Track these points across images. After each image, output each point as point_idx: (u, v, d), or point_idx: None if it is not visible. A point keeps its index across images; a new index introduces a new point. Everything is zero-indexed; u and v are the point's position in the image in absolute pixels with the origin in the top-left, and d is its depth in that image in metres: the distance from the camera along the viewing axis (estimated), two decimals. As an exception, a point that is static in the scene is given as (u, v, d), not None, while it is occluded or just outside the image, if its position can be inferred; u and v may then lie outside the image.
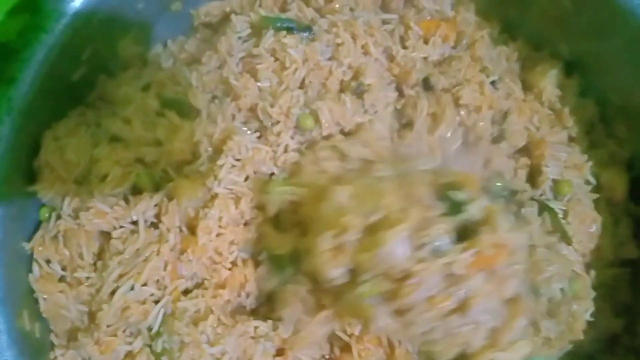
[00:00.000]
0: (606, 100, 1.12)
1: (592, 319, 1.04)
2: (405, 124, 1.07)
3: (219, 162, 0.94)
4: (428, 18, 1.13)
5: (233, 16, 1.07)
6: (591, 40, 1.08)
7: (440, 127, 1.04)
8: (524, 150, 1.11)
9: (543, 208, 1.05)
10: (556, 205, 1.06)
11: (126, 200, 0.96)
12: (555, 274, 0.99)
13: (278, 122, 0.98)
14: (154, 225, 0.94)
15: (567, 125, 1.13)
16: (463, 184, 0.87)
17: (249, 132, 0.98)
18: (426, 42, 1.11)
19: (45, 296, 0.93)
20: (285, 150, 0.98)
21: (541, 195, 1.07)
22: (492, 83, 1.10)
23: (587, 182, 1.10)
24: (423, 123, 1.04)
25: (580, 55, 1.12)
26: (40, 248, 0.94)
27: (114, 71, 1.08)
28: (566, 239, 1.03)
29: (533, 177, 1.09)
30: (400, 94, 1.07)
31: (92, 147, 0.99)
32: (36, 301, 0.94)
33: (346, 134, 1.01)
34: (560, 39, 1.14)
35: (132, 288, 0.89)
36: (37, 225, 0.97)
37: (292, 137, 0.99)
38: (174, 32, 1.16)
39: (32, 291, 0.94)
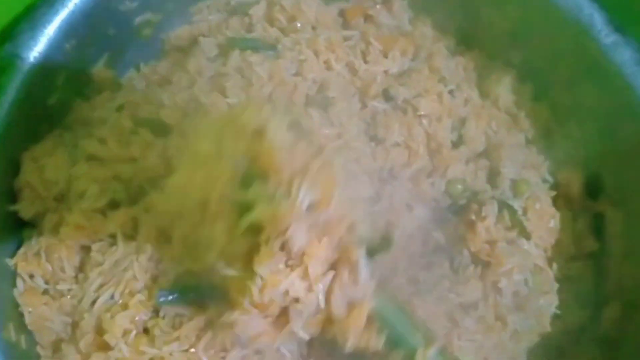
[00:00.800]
0: (558, 103, 1.19)
1: (558, 312, 1.09)
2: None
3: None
4: (387, 34, 1.20)
5: (201, 38, 1.13)
6: (539, 47, 1.15)
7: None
8: (484, 154, 1.17)
9: (502, 206, 1.10)
10: (515, 203, 1.11)
11: (104, 215, 1.00)
12: (516, 266, 1.03)
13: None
14: (132, 238, 0.98)
15: (524, 128, 1.19)
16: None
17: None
18: (386, 56, 1.17)
19: (30, 309, 0.97)
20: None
21: (501, 194, 1.13)
22: (450, 92, 1.17)
23: (545, 181, 1.16)
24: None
25: (531, 62, 1.19)
26: (23, 263, 0.98)
27: (89, 95, 1.13)
28: (525, 234, 1.08)
29: (493, 178, 1.15)
30: (363, 105, 1.13)
31: (69, 166, 1.03)
32: (21, 315, 0.97)
33: None
34: (512, 47, 1.21)
35: (112, 297, 0.93)
36: (20, 243, 1.01)
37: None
38: (146, 57, 1.21)
39: (17, 305, 0.97)
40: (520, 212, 1.11)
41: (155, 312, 0.93)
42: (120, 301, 0.93)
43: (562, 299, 1.10)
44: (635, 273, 1.08)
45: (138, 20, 1.14)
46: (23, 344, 0.96)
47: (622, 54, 1.03)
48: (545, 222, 1.12)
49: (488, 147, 1.17)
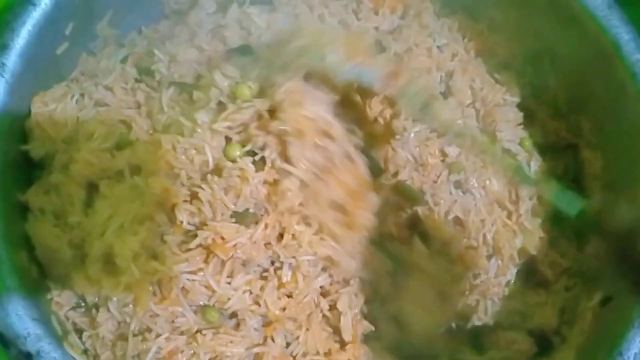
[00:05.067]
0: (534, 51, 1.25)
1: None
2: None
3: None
4: (376, -7, 1.27)
5: (201, -5, 1.20)
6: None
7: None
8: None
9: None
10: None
11: (112, 155, 1.05)
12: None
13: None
14: (138, 173, 1.02)
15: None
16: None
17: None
18: (376, 13, 1.24)
19: (40, 241, 1.00)
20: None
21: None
22: (439, 47, 1.24)
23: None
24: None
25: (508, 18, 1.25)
26: (34, 199, 1.02)
27: (94, 50, 1.18)
28: None
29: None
30: (356, 56, 1.19)
31: (77, 111, 1.08)
32: (33, 248, 1.01)
33: None
34: (493, 7, 1.28)
35: (121, 226, 0.97)
36: (30, 184, 1.05)
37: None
38: (146, 20, 1.27)
39: (29, 238, 1.01)
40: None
41: (163, 240, 0.97)
42: (130, 229, 0.96)
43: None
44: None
45: (141, -21, 1.20)
46: (34, 273, 0.99)
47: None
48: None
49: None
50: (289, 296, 0.99)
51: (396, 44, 1.21)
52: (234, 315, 0.98)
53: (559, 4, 1.14)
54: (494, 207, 1.10)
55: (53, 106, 1.07)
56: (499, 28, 1.29)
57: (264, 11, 1.15)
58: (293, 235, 0.97)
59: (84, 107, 1.09)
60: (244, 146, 0.96)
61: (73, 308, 1.00)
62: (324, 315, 1.02)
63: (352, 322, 1.00)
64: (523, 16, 1.24)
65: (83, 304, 1.01)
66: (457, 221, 1.09)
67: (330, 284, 1.02)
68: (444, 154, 1.11)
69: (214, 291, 0.95)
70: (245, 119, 0.96)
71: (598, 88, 1.15)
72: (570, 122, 1.22)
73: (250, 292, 0.97)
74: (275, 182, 0.95)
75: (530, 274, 1.13)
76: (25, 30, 1.02)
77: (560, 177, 1.21)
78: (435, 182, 1.09)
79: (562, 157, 1.22)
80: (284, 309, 0.97)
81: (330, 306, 1.01)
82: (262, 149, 0.96)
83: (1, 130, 0.99)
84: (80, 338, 0.98)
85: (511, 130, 1.18)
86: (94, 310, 0.99)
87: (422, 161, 1.08)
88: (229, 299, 0.95)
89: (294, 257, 0.97)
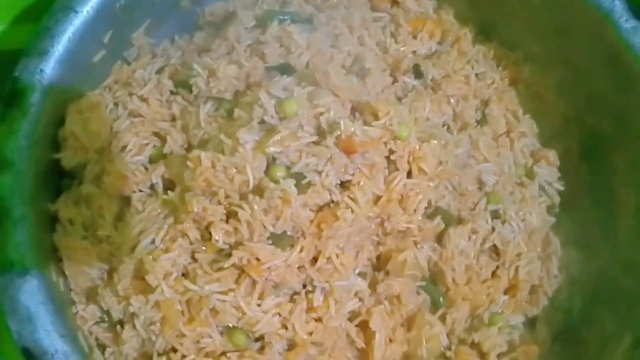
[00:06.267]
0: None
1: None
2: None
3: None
4: (415, 17, 1.26)
5: (239, 9, 1.18)
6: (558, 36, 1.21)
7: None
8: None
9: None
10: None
11: (145, 168, 1.03)
12: None
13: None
14: (171, 189, 1.00)
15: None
16: None
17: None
18: (415, 37, 1.23)
19: (68, 254, 0.98)
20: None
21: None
22: (476, 75, 1.23)
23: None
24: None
25: (550, 52, 1.24)
26: (64, 209, 1.00)
27: (129, 60, 1.16)
28: None
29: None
30: (394, 79, 1.18)
31: (112, 121, 1.06)
32: (60, 260, 0.99)
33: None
34: (531, 38, 1.27)
35: (152, 242, 0.95)
36: (58, 193, 1.03)
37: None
38: (180, 30, 1.26)
39: (56, 250, 0.99)
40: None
41: (194, 258, 0.95)
42: (162, 245, 0.94)
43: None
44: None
45: (179, -10, 1.18)
46: (61, 286, 0.97)
47: (640, 39, 1.09)
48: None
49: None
50: (318, 320, 0.97)
51: (434, 70, 1.20)
52: (260, 338, 0.96)
53: (604, 41, 1.12)
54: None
55: (87, 114, 1.04)
56: (535, 59, 1.27)
57: (304, 30, 1.13)
58: (328, 258, 0.95)
59: (118, 117, 1.07)
60: (288, 168, 0.94)
61: (97, 323, 0.98)
62: (351, 340, 1.00)
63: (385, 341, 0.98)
64: (562, 48, 1.23)
65: (107, 319, 0.99)
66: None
67: (360, 307, 1.00)
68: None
69: (243, 313, 0.93)
70: (301, 144, 0.94)
71: (635, 128, 1.14)
72: (603, 160, 1.21)
73: (279, 315, 0.95)
74: (321, 209, 0.94)
75: None
76: (65, 37, 1.00)
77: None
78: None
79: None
80: (310, 333, 0.96)
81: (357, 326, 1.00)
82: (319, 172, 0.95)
83: (35, 137, 0.98)
84: (102, 354, 0.96)
85: (549, 169, 1.17)
86: (118, 327, 0.97)
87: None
88: (257, 321, 0.93)
89: (327, 282, 0.95)
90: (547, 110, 1.26)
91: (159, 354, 0.94)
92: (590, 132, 1.23)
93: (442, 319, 1.04)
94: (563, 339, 1.12)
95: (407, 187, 1.01)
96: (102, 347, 0.97)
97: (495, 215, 1.11)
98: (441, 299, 1.05)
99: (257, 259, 0.91)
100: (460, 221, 1.09)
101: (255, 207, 0.91)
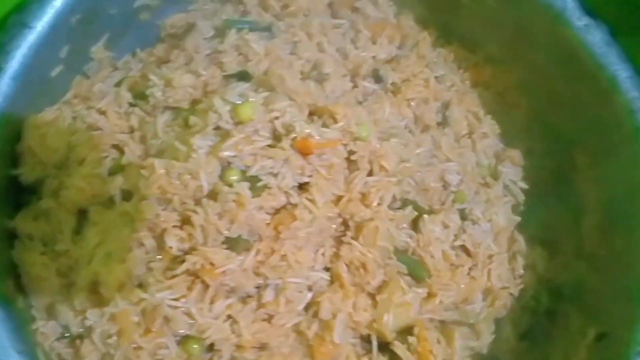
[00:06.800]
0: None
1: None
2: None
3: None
4: (374, 23, 1.26)
5: (198, 20, 1.18)
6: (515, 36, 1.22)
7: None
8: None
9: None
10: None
11: (103, 180, 1.03)
12: None
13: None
14: (128, 200, 1.00)
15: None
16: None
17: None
18: (374, 42, 1.24)
19: (27, 269, 0.98)
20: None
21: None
22: (436, 78, 1.23)
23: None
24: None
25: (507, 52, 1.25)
26: (23, 225, 1.00)
27: (88, 73, 1.17)
28: None
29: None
30: (355, 84, 1.18)
31: (70, 135, 1.06)
32: (19, 276, 0.98)
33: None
34: (489, 39, 1.28)
35: (109, 254, 0.94)
36: (18, 209, 1.03)
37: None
38: (142, 43, 1.26)
39: (15, 266, 0.98)
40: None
41: (149, 269, 0.95)
42: (117, 257, 0.94)
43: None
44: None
45: (137, 3, 1.18)
46: (20, 303, 0.96)
47: (593, 36, 1.10)
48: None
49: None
50: (265, 320, 0.95)
51: (394, 74, 1.20)
52: (210, 348, 0.95)
53: (558, 39, 1.13)
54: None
55: (45, 129, 1.04)
56: (495, 60, 1.28)
57: (262, 38, 1.14)
58: (283, 256, 0.94)
59: (76, 131, 1.07)
60: (244, 172, 0.94)
61: (58, 339, 0.98)
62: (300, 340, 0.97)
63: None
64: (520, 48, 1.24)
65: (67, 335, 0.98)
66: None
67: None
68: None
69: (194, 319, 0.92)
70: (256, 148, 0.94)
71: (594, 124, 1.15)
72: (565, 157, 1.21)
73: (230, 318, 0.94)
74: (278, 211, 0.94)
75: None
76: (20, 53, 1.00)
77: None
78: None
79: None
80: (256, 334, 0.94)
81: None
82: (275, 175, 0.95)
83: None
84: (64, 370, 0.95)
85: (513, 169, 1.18)
86: (78, 341, 0.96)
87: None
88: (208, 327, 0.93)
89: (281, 278, 0.94)
90: (510, 111, 1.27)
91: (119, 368, 0.93)
92: (552, 130, 1.23)
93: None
94: (530, 337, 1.12)
95: (369, 184, 1.01)
96: (64, 363, 0.96)
97: (463, 215, 1.11)
98: (425, 276, 1.02)
99: (212, 264, 0.91)
100: (432, 211, 1.08)
101: (210, 212, 0.91)
